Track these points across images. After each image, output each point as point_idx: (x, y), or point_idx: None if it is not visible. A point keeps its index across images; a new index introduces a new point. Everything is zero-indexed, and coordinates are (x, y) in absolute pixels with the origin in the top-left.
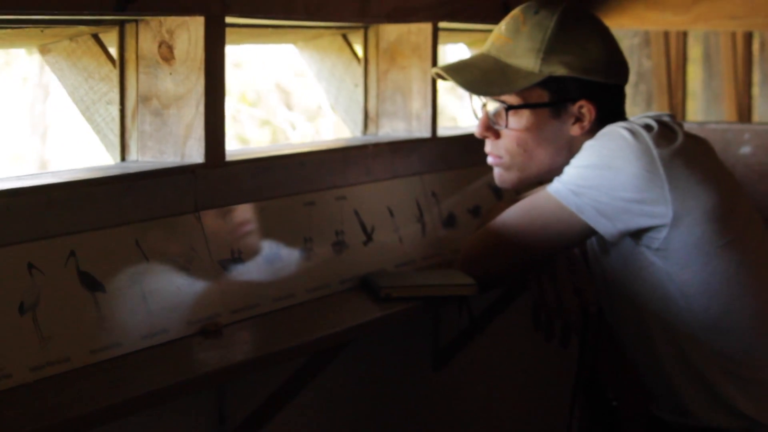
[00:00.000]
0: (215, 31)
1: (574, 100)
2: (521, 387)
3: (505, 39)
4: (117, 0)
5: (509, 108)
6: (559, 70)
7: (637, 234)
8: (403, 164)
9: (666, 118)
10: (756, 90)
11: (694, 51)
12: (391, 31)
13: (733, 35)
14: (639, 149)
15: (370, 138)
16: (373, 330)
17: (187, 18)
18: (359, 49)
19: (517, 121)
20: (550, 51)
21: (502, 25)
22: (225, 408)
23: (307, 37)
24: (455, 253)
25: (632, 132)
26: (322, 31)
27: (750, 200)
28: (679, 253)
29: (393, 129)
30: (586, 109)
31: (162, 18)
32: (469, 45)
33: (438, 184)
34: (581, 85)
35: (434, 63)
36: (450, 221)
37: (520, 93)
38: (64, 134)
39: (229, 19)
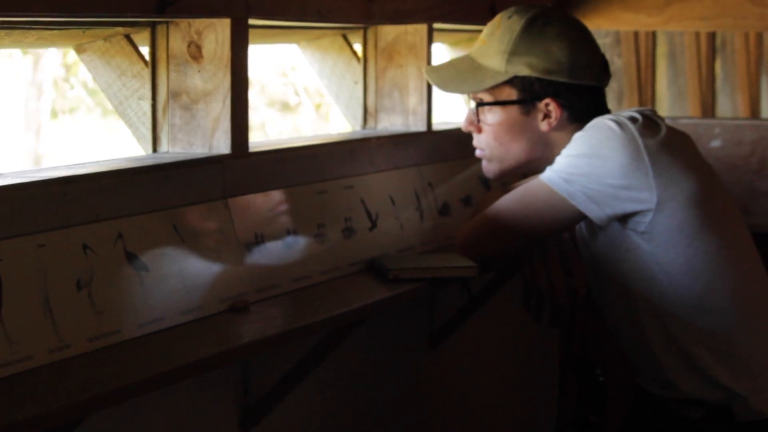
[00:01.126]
0: (240, 32)
1: (540, 98)
2: (512, 365)
3: (482, 41)
4: (157, 4)
5: (480, 104)
6: (523, 71)
7: (624, 218)
8: (402, 156)
9: (648, 112)
10: (718, 86)
11: (660, 50)
12: (388, 32)
13: (697, 35)
14: (626, 139)
15: (370, 132)
16: (383, 308)
17: (214, 20)
18: (359, 49)
19: (492, 117)
20: (514, 53)
21: (484, 29)
22: (249, 381)
23: (310, 37)
24: (450, 239)
25: (619, 124)
26: (324, 31)
27: (726, 188)
28: (663, 236)
29: (391, 123)
30: (552, 106)
31: (191, 20)
32: (452, 45)
33: (433, 175)
34: (546, 84)
35: (429, 61)
36: (444, 210)
37: (491, 91)
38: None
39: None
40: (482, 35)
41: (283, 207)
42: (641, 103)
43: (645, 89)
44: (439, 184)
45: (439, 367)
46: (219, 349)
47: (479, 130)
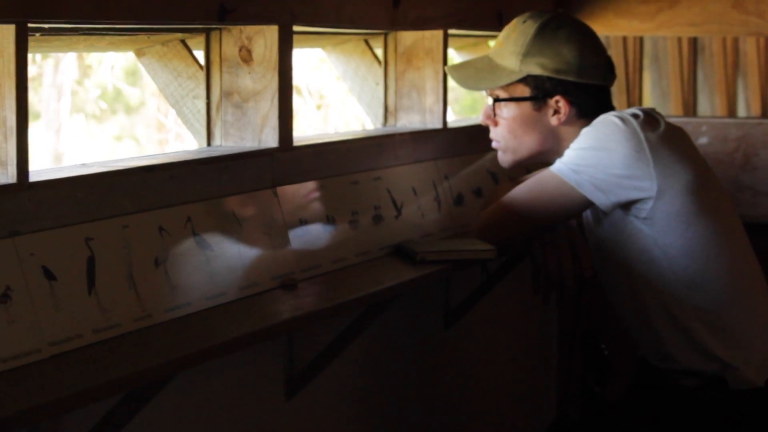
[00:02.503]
0: (286, 37)
1: (551, 96)
2: (521, 342)
3: (499, 43)
4: (219, 12)
5: (496, 100)
6: (536, 70)
7: (627, 205)
8: (422, 151)
9: (649, 110)
10: (698, 88)
11: (645, 54)
12: (407, 37)
13: (679, 40)
14: (629, 133)
15: (391, 129)
16: (412, 287)
17: (264, 26)
18: (379, 53)
19: (507, 112)
20: (528, 54)
21: (501, 32)
22: (294, 352)
23: (335, 42)
24: (463, 227)
25: (622, 119)
26: (347, 37)
27: (718, 178)
28: (663, 221)
29: (409, 121)
30: (561, 103)
31: (242, 27)
32: (458, 49)
33: (449, 168)
34: (556, 83)
35: (445, 64)
36: (459, 200)
37: (507, 89)
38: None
39: None
40: (499, 38)
41: (323, 195)
42: (629, 103)
43: (633, 91)
44: (453, 176)
45: (454, 345)
46: (271, 322)
47: (495, 124)
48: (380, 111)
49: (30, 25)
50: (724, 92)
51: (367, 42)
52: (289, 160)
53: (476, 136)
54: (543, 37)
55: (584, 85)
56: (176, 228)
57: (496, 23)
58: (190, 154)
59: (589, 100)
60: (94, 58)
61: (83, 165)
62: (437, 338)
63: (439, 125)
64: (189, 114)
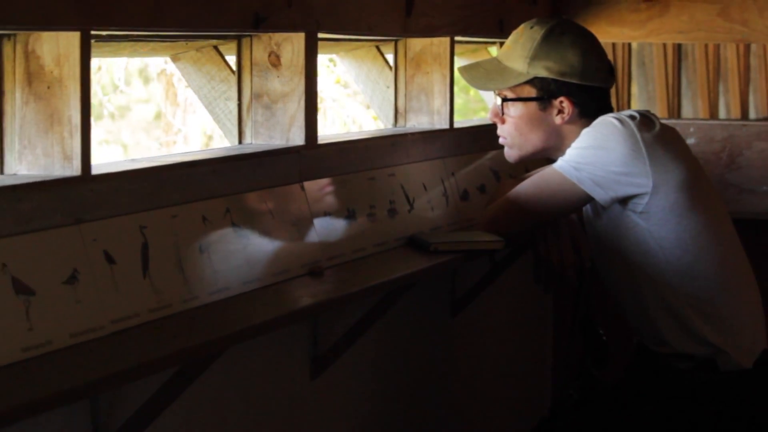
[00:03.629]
0: (311, 44)
1: (555, 96)
2: (521, 328)
3: (508, 47)
4: (254, 21)
5: (505, 100)
6: (542, 73)
7: (625, 200)
8: (431, 150)
9: (644, 112)
10: (682, 92)
11: (632, 60)
12: (416, 44)
13: (665, 47)
14: (626, 133)
15: (401, 129)
16: (427, 275)
17: (291, 34)
18: (390, 58)
19: (514, 111)
20: (535, 57)
21: (510, 36)
22: (318, 335)
23: (348, 48)
24: (469, 221)
25: (620, 120)
26: (360, 43)
27: (708, 176)
28: (658, 215)
29: (418, 122)
30: (565, 104)
31: (271, 34)
32: (458, 55)
33: (455, 166)
34: (561, 85)
35: (452, 69)
36: (464, 195)
37: (514, 89)
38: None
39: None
40: (508, 41)
41: (344, 190)
42: (618, 106)
43: (622, 94)
44: (459, 173)
45: (460, 332)
46: (303, 304)
47: (503, 122)
48: (391, 112)
49: (92, 32)
50: (706, 96)
51: (378, 48)
52: (314, 156)
53: (480, 136)
54: (549, 42)
55: (587, 87)
56: (217, 218)
57: (498, 30)
58: (227, 150)
59: (591, 101)
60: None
61: (133, 160)
62: (444, 325)
63: (446, 126)
64: (221, 114)
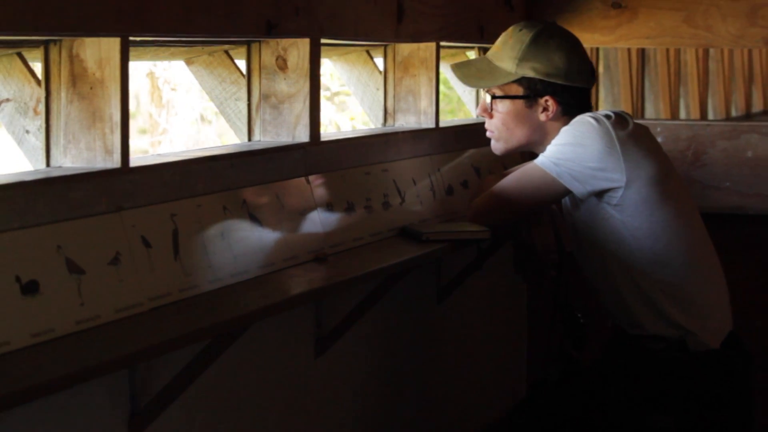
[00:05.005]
0: (315, 49)
1: (541, 95)
2: (502, 314)
3: (497, 47)
4: (266, 28)
5: (494, 97)
6: (529, 73)
7: (600, 194)
8: (419, 147)
9: (619, 111)
10: (646, 94)
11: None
12: (404, 49)
13: (629, 51)
14: (602, 132)
15: (390, 128)
16: (420, 262)
17: (297, 39)
18: (380, 62)
19: (502, 107)
20: (523, 59)
21: (500, 37)
22: (321, 317)
23: (340, 53)
24: (454, 214)
25: (596, 119)
26: (351, 48)
27: (677, 171)
28: (631, 208)
29: (406, 122)
30: (550, 102)
31: (278, 39)
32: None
33: (441, 163)
34: (546, 84)
35: (437, 72)
36: (449, 190)
37: (503, 87)
38: None
39: None
40: (497, 42)
41: (344, 184)
42: None
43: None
44: (445, 170)
45: (445, 317)
46: (314, 286)
47: (491, 116)
48: (380, 113)
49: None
50: (668, 98)
51: (368, 52)
52: (318, 152)
53: (463, 135)
54: (537, 44)
55: (570, 87)
56: (235, 208)
57: (479, 36)
58: (241, 146)
59: (574, 100)
60: None
61: (161, 155)
62: (431, 311)
63: (432, 125)
64: (232, 114)
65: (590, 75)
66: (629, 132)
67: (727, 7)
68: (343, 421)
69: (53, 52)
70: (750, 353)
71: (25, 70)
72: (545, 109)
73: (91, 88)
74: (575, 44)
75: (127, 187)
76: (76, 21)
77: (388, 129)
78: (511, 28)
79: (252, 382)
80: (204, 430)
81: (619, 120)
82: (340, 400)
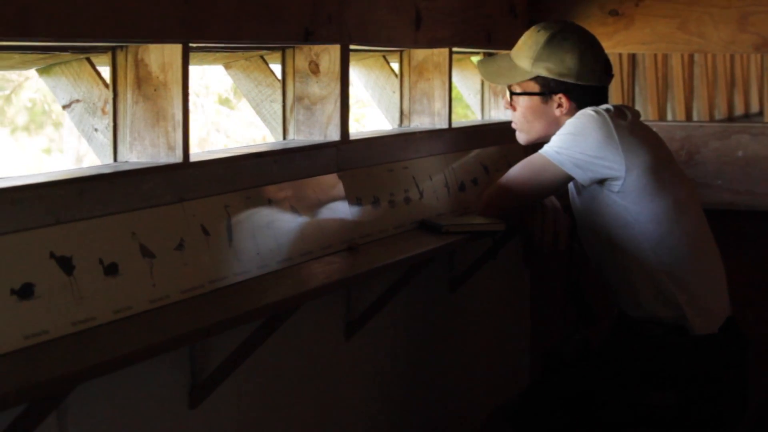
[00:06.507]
0: (345, 55)
1: (555, 93)
2: (515, 302)
3: (519, 46)
4: (304, 35)
5: (513, 93)
6: (543, 72)
7: (602, 182)
8: (434, 146)
9: (619, 105)
10: (636, 98)
11: None
12: (419, 54)
13: (620, 56)
14: (601, 122)
15: (405, 129)
16: (441, 252)
17: (328, 45)
18: (395, 67)
19: (522, 102)
20: (538, 59)
21: (522, 36)
22: (350, 302)
23: (358, 58)
24: (466, 209)
25: (597, 112)
26: (368, 53)
27: (675, 159)
28: (632, 195)
29: (421, 123)
30: (563, 99)
31: (311, 45)
32: None
33: (454, 161)
34: (559, 83)
35: (450, 76)
36: (462, 187)
37: (521, 84)
38: None
39: None
40: (519, 41)
41: (371, 180)
42: None
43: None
44: (457, 167)
45: (458, 305)
46: (351, 273)
47: (514, 109)
48: (396, 114)
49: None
50: (656, 101)
51: (384, 57)
52: (348, 150)
53: (474, 135)
54: (551, 46)
55: (582, 86)
56: (278, 200)
57: (486, 42)
58: (281, 144)
59: (587, 97)
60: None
61: (211, 151)
62: (445, 299)
63: (445, 126)
64: (267, 114)
65: (603, 73)
66: (627, 124)
67: (718, 14)
68: (369, 395)
69: (120, 57)
70: (747, 337)
71: (93, 73)
72: (560, 105)
73: (154, 90)
74: (589, 45)
75: (188, 180)
76: (142, 30)
77: (404, 129)
78: (531, 28)
79: (292, 361)
80: (251, 402)
81: (617, 113)
82: (366, 378)
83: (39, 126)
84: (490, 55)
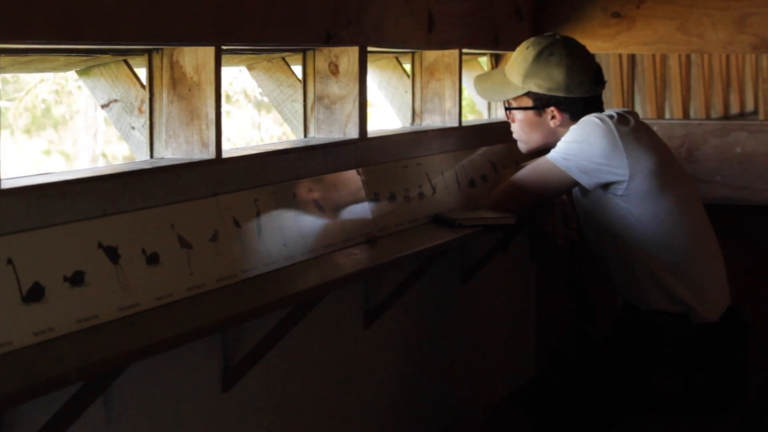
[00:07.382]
0: (363, 56)
1: (547, 106)
2: (523, 293)
3: (511, 62)
4: (326, 37)
5: (508, 108)
6: (534, 88)
7: (606, 186)
8: (445, 144)
9: (621, 111)
10: (635, 97)
11: None
12: (430, 55)
13: (620, 57)
14: (606, 130)
15: (417, 127)
16: (455, 245)
17: (348, 47)
18: (408, 67)
19: (518, 115)
20: (528, 75)
21: (514, 52)
22: (368, 293)
23: (371, 59)
24: (476, 204)
25: (601, 119)
26: (381, 55)
27: (678, 161)
28: (635, 198)
29: (432, 121)
30: (555, 112)
31: (331, 48)
32: None
33: (464, 158)
34: (549, 97)
35: (460, 77)
36: (471, 183)
37: (515, 99)
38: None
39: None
40: (512, 57)
41: (387, 176)
42: None
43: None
44: (467, 164)
45: (468, 296)
46: (372, 264)
47: (513, 121)
48: (408, 113)
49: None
50: (654, 100)
51: (397, 59)
52: (366, 147)
53: (483, 134)
54: (539, 62)
55: (572, 98)
56: (303, 195)
57: (494, 44)
58: (304, 141)
59: (578, 108)
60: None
61: (240, 148)
62: (456, 290)
63: (455, 124)
64: (289, 114)
65: (593, 84)
66: (630, 129)
67: (717, 15)
68: (387, 381)
69: (156, 59)
70: (747, 325)
71: (130, 74)
72: (553, 117)
73: (189, 90)
74: (577, 58)
75: (221, 176)
76: (177, 33)
77: (416, 127)
78: (521, 45)
79: (315, 348)
80: (280, 386)
81: (621, 119)
82: (384, 366)
83: (40, 127)
84: (496, 56)
